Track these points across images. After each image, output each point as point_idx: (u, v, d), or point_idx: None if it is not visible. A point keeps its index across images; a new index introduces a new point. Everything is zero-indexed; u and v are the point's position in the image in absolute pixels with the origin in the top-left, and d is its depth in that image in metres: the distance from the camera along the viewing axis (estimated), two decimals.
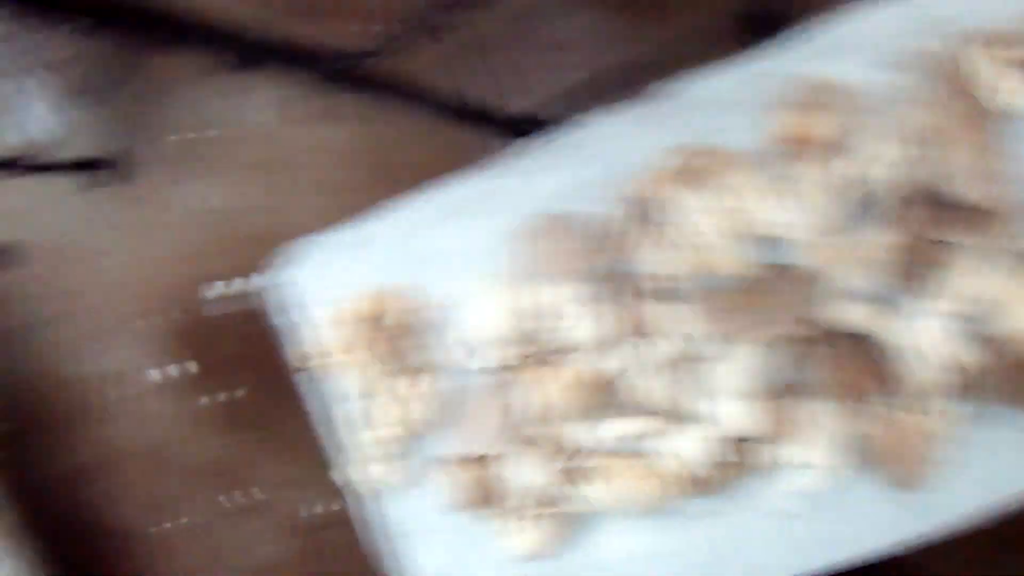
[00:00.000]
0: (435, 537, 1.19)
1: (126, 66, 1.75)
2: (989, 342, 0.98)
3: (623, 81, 1.53)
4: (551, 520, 1.09)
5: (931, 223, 1.00)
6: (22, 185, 1.98)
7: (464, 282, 1.14)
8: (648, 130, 1.09)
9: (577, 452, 1.07)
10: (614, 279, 1.05)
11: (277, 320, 1.27)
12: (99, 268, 1.92)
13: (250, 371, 1.84)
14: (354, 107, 1.75)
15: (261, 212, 1.81)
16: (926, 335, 0.99)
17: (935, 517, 1.01)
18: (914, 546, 1.02)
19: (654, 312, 1.04)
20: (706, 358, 1.02)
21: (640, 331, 1.04)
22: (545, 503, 1.08)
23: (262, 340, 1.78)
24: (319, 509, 1.81)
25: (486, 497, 1.11)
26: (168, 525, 1.91)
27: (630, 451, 1.05)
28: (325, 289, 1.23)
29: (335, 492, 1.78)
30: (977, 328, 0.99)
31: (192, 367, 1.87)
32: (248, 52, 1.78)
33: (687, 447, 1.02)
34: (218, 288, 1.82)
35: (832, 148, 1.03)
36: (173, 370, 1.88)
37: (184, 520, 1.90)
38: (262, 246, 1.76)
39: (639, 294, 1.05)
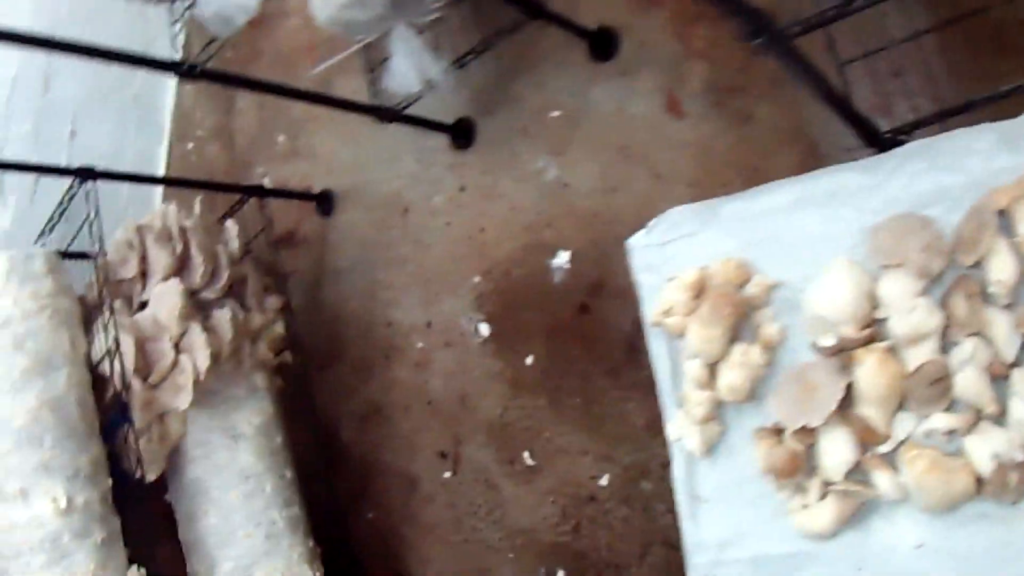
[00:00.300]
0: (728, 504, 1.27)
1: (499, 36, 1.92)
2: None
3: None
4: (846, 501, 1.14)
5: None
6: (375, 135, 2.27)
7: (815, 266, 1.20)
8: (1010, 148, 1.13)
9: (888, 439, 1.12)
10: (960, 281, 1.10)
11: (634, 279, 1.43)
12: (432, 224, 2.16)
13: (544, 341, 1.95)
14: (715, 109, 1.81)
15: (596, 192, 1.91)
16: None
17: None
18: None
19: (991, 316, 1.07)
20: None
21: (974, 332, 1.08)
22: (846, 484, 1.14)
23: (562, 314, 1.92)
24: (585, 483, 1.86)
25: (793, 470, 1.18)
26: (437, 475, 2.08)
27: (938, 446, 1.08)
28: (680, 255, 1.36)
29: (603, 468, 1.83)
30: None
31: (494, 328, 2.03)
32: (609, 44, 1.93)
33: (993, 449, 1.05)
34: (551, 258, 1.95)
35: None
36: (478, 329, 2.05)
37: (448, 474, 2.06)
38: (592, 224, 1.90)
39: (980, 298, 1.09)
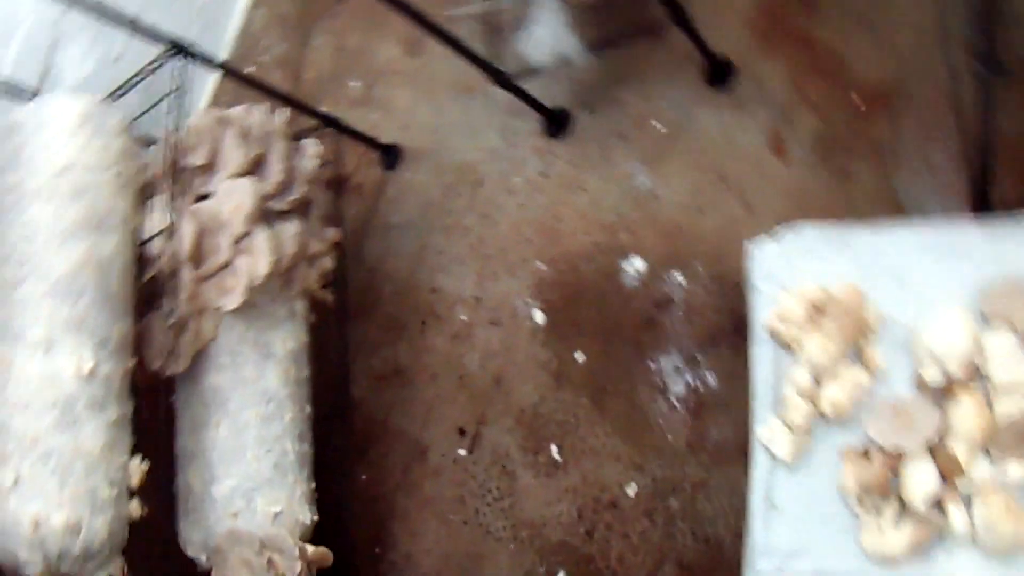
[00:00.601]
0: (800, 516, 1.30)
1: (639, 33, 1.94)
2: None
3: None
4: (923, 529, 1.18)
5: None
6: (461, 103, 2.25)
7: (927, 308, 1.30)
8: None
9: (968, 476, 1.18)
10: None
11: (749, 282, 1.44)
12: (504, 202, 2.13)
13: (599, 342, 1.93)
14: (817, 158, 1.86)
15: (684, 208, 1.93)
16: None
17: None
18: None
19: None
20: None
21: None
22: (923, 513, 1.18)
23: (625, 319, 1.90)
24: (611, 488, 1.81)
25: (881, 488, 1.21)
26: (451, 450, 2.00)
27: (1012, 491, 1.15)
28: (803, 270, 1.41)
29: (632, 477, 1.80)
30: None
31: (549, 318, 1.99)
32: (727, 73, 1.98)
33: None
34: (623, 261, 1.94)
35: None
36: (531, 315, 2.01)
37: (464, 452, 1.98)
38: (673, 238, 1.91)
39: None
